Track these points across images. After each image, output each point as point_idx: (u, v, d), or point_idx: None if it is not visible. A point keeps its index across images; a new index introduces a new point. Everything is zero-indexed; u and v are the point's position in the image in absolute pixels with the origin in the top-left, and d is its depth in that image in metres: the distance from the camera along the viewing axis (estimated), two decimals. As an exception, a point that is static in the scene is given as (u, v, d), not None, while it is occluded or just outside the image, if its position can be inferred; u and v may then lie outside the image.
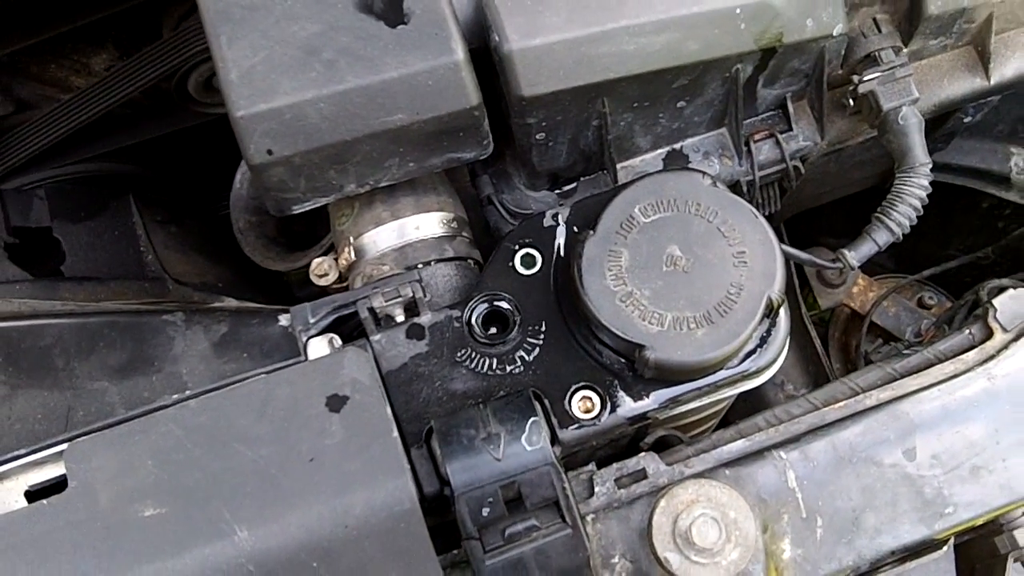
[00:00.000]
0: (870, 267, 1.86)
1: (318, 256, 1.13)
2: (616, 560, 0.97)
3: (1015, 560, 1.14)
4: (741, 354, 0.99)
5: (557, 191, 1.21)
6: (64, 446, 0.94)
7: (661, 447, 1.06)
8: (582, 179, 1.21)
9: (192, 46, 1.43)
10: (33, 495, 0.95)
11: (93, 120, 1.47)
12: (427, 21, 0.97)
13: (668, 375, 0.97)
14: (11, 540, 0.90)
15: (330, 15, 0.96)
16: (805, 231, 1.80)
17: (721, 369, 0.99)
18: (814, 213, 1.65)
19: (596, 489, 0.99)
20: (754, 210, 0.98)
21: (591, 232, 0.97)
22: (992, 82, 1.25)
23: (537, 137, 1.08)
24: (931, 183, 1.18)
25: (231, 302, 1.26)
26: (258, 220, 1.42)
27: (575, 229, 1.03)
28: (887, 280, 1.81)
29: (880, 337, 1.75)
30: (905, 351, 1.10)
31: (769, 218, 1.04)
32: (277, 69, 0.95)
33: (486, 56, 1.03)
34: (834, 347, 1.79)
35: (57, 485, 0.94)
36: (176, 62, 1.44)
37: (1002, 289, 1.11)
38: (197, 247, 1.47)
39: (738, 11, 1.03)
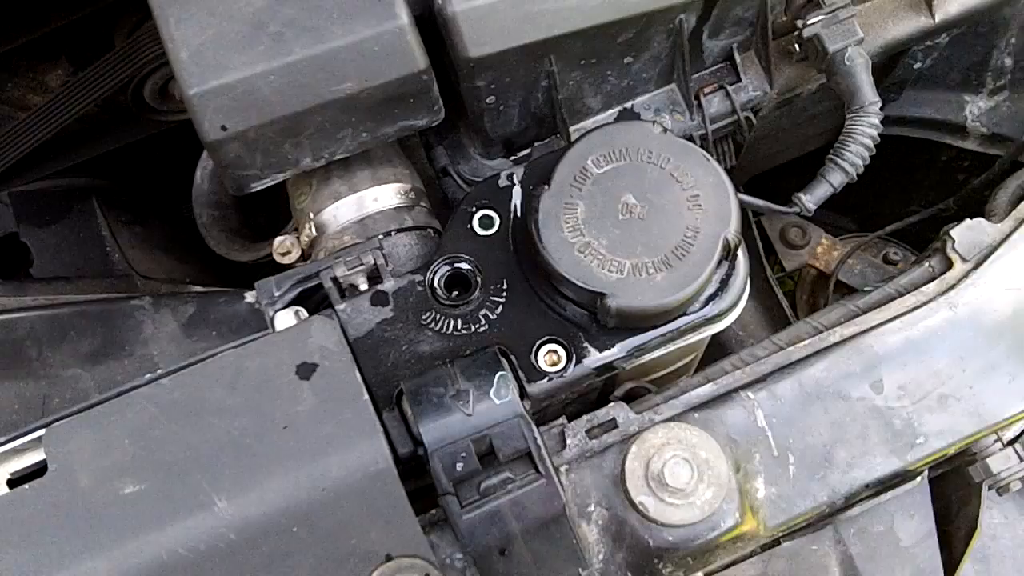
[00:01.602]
0: (834, 230, 1.88)
1: (279, 236, 1.14)
2: (592, 508, 0.98)
3: (990, 487, 1.15)
4: (702, 298, 1.00)
5: (512, 158, 1.22)
6: (42, 431, 0.95)
7: (630, 399, 1.07)
8: (536, 144, 1.22)
9: (145, 54, 1.44)
10: (15, 482, 0.96)
11: (52, 136, 1.48)
12: (370, -11, 0.98)
13: (631, 322, 0.98)
14: (-5, 526, 0.91)
15: (274, -12, 0.97)
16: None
17: (684, 314, 1.00)
18: (774, 180, 1.67)
19: (568, 441, 1.00)
20: (705, 154, 0.99)
21: (546, 187, 0.99)
22: (937, 20, 1.27)
23: (487, 101, 1.10)
24: (888, 138, 1.20)
25: (197, 288, 1.27)
26: (220, 214, 1.42)
27: (531, 187, 1.04)
28: (851, 239, 1.83)
29: (847, 295, 1.76)
30: (866, 288, 1.12)
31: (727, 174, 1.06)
32: (226, 45, 0.96)
33: (430, 23, 1.04)
34: (802, 309, 1.80)
35: (38, 471, 0.95)
36: (130, 71, 1.45)
37: (959, 229, 1.13)
38: (162, 245, 1.48)
39: (676, -40, 1.05)
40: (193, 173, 1.44)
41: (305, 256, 1.13)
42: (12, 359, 1.03)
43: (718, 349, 1.42)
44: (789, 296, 1.77)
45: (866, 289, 1.12)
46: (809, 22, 1.17)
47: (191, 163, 1.46)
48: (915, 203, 1.81)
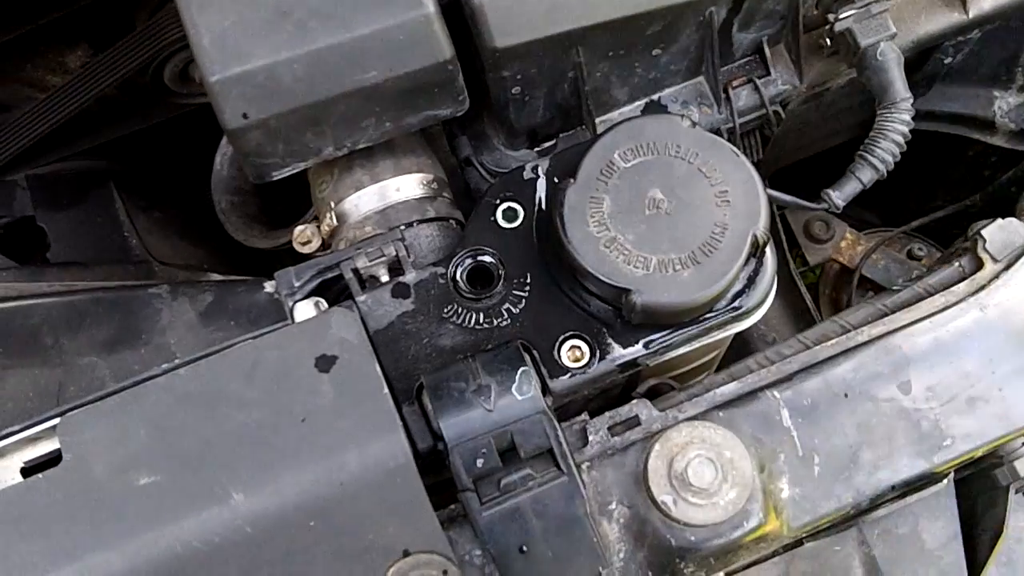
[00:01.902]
0: (858, 224, 1.86)
1: (299, 225, 1.13)
2: (613, 506, 0.97)
3: (1016, 491, 1.14)
4: (729, 295, 0.99)
5: (536, 149, 1.21)
6: (57, 420, 0.94)
7: (653, 396, 1.05)
8: (561, 135, 1.21)
9: (166, 36, 1.43)
10: (29, 471, 0.95)
11: (72, 117, 1.47)
12: (396, -24, 0.97)
13: (656, 319, 0.97)
14: (9, 515, 0.90)
15: (298, -25, 0.96)
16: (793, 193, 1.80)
17: (709, 311, 0.99)
18: (797, 173, 1.65)
19: (590, 438, 0.99)
20: (735, 149, 0.98)
21: (571, 180, 0.97)
22: (971, 16, 1.25)
23: (513, 92, 1.08)
24: (915, 133, 1.18)
25: (216, 276, 1.26)
26: (240, 200, 1.42)
27: (555, 180, 1.03)
28: (875, 234, 1.81)
29: (871, 291, 1.75)
30: (895, 288, 1.10)
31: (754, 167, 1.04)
32: (248, 32, 0.95)
33: (456, 12, 1.03)
34: (825, 303, 1.79)
35: (52, 460, 0.94)
36: (150, 52, 1.44)
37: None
38: (180, 231, 1.47)
39: (709, -48, 1.03)
40: (212, 158, 1.44)
41: (325, 245, 1.12)
42: (28, 346, 1.02)
43: (741, 344, 1.41)
44: (812, 290, 1.75)
45: (894, 288, 1.10)
46: (841, 16, 1.16)
47: (210, 148, 1.45)
48: (940, 198, 1.79)
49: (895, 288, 1.10)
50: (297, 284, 1.01)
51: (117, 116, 1.58)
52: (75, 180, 1.41)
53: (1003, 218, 1.10)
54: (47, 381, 1.00)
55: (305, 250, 1.11)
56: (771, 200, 1.06)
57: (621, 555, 0.96)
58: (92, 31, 1.59)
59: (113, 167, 1.51)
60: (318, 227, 1.11)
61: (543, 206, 1.02)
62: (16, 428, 0.96)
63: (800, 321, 1.65)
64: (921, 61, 1.36)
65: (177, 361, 0.98)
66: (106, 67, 1.45)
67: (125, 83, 1.46)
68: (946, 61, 1.40)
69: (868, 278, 1.74)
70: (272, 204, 1.44)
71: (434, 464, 0.95)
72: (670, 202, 0.96)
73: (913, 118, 1.17)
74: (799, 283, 1.65)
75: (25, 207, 1.34)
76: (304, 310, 1.00)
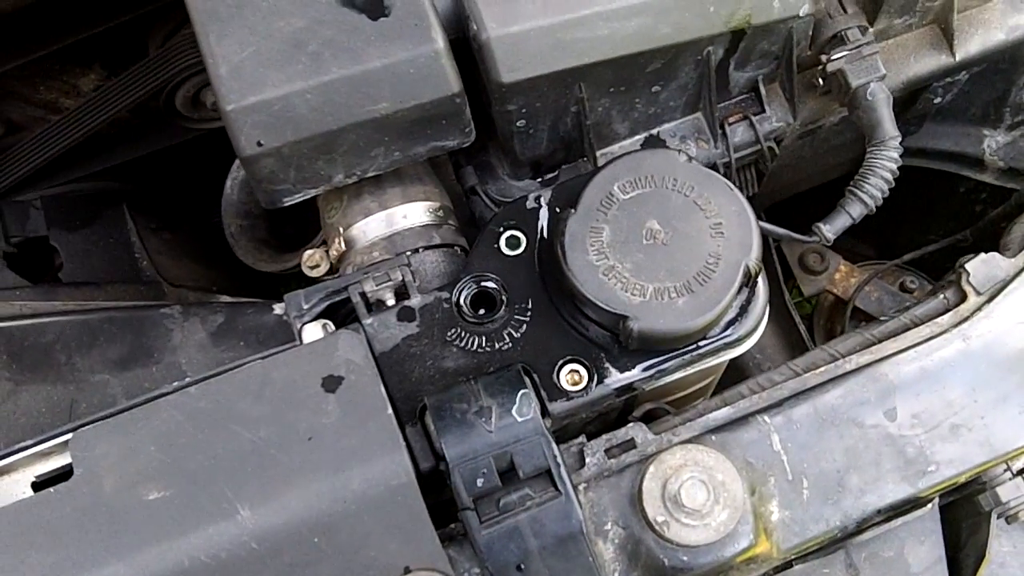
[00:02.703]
0: (852, 256, 1.90)
1: (308, 249, 1.16)
2: (609, 527, 1.00)
3: (999, 516, 1.16)
4: (722, 323, 1.02)
5: (539, 179, 1.24)
6: (69, 436, 0.97)
7: (649, 420, 1.08)
8: (563, 167, 1.24)
9: (179, 63, 1.47)
10: (40, 485, 0.98)
11: (84, 140, 1.50)
12: (407, 13, 1.00)
13: (652, 345, 1.00)
14: (20, 527, 0.92)
15: (314, 9, 1.00)
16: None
17: (703, 338, 1.02)
18: (793, 206, 1.69)
19: (587, 460, 1.02)
20: (729, 183, 1.01)
21: (573, 210, 1.01)
22: (957, 59, 1.29)
23: (518, 124, 1.12)
24: (908, 169, 1.22)
25: (225, 298, 1.29)
26: (249, 224, 1.45)
27: (557, 210, 1.06)
28: (869, 266, 1.85)
29: (864, 321, 1.78)
30: (882, 318, 1.13)
31: (748, 201, 1.07)
32: (265, 63, 0.98)
33: (464, 47, 1.06)
34: (819, 334, 1.82)
35: (63, 474, 0.97)
36: (163, 79, 1.47)
37: (977, 261, 1.15)
38: (190, 253, 1.50)
39: (707, -6, 1.07)
40: (221, 181, 1.47)
41: (333, 269, 1.15)
42: (41, 363, 1.05)
43: (735, 371, 1.44)
44: (807, 320, 1.79)
45: (882, 318, 1.13)
46: (834, 57, 1.19)
47: (219, 171, 1.49)
48: (932, 232, 1.83)
49: (883, 318, 1.13)
50: (306, 307, 1.04)
51: (129, 139, 1.62)
52: (88, 201, 1.44)
53: (987, 253, 1.14)
54: (59, 397, 1.03)
55: (313, 274, 1.14)
56: (764, 232, 1.10)
57: (616, 574, 0.99)
58: (106, 55, 1.62)
59: (125, 188, 1.54)
60: (326, 251, 1.14)
61: (545, 235, 1.06)
62: (28, 443, 0.99)
63: (795, 350, 1.68)
64: (911, 100, 1.40)
65: (187, 379, 1.01)
66: (119, 91, 1.48)
67: (137, 107, 1.49)
68: (936, 101, 1.44)
69: (861, 309, 1.77)
70: (280, 228, 1.47)
71: (435, 483, 0.98)
72: (667, 233, 1.00)
73: (903, 153, 1.21)
74: (793, 313, 1.69)
75: (39, 227, 1.37)
76: (312, 332, 1.03)
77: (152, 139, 1.63)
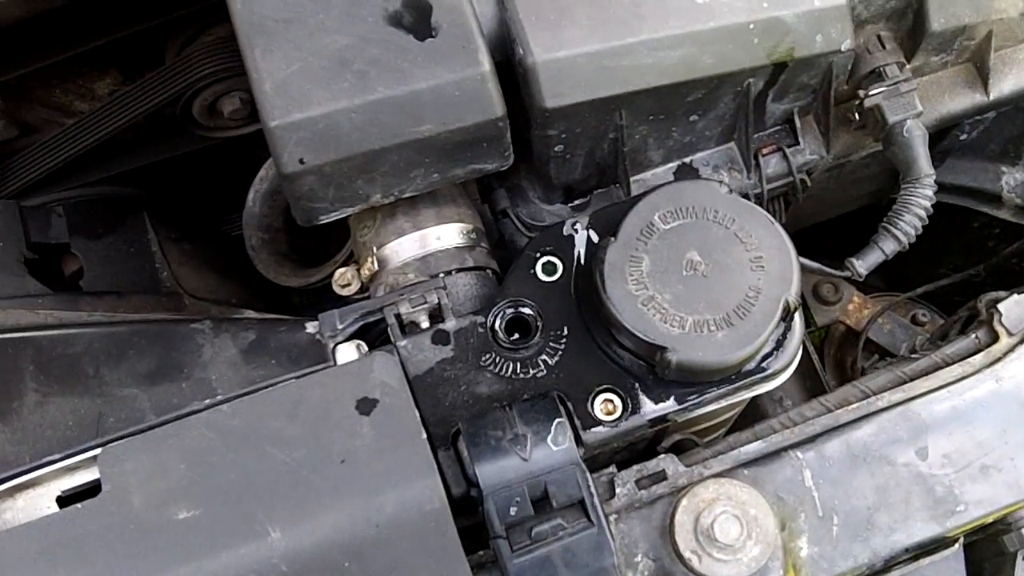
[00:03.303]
0: (864, 287, 1.90)
1: (339, 268, 1.15)
2: (639, 559, 0.99)
3: (1023, 558, 1.16)
4: (759, 356, 1.02)
5: (570, 204, 1.24)
6: (97, 451, 0.96)
7: (677, 451, 1.08)
8: (595, 192, 1.24)
9: (198, 71, 1.46)
10: (66, 500, 0.97)
11: (98, 144, 1.49)
12: (454, 34, 1.00)
13: (688, 377, 1.00)
14: (47, 543, 0.91)
15: (361, 28, 0.99)
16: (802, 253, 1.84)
17: (739, 371, 1.02)
18: (810, 237, 1.69)
19: (617, 490, 1.02)
20: (770, 217, 1.01)
21: (612, 239, 1.00)
22: (991, 97, 1.30)
23: (556, 149, 1.12)
24: (926, 201, 1.23)
25: (252, 314, 1.28)
26: (270, 237, 1.44)
27: (595, 237, 1.06)
28: (881, 298, 1.85)
29: (875, 353, 1.79)
30: (912, 355, 1.13)
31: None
32: (310, 80, 0.97)
33: (506, 71, 1.06)
34: (830, 364, 1.82)
35: (90, 490, 0.96)
36: (180, 87, 1.46)
37: (998, 300, 1.15)
38: (209, 264, 1.49)
39: (751, 26, 1.07)
40: (238, 189, 1.46)
41: (364, 289, 1.14)
42: (69, 375, 1.03)
43: (751, 404, 1.44)
44: (816, 350, 1.79)
45: (912, 356, 1.13)
46: (871, 93, 1.20)
47: (236, 180, 1.48)
48: (944, 266, 1.84)
49: (914, 356, 1.13)
50: (340, 326, 1.03)
51: (144, 145, 1.60)
52: (110, 209, 1.43)
53: (1015, 291, 1.14)
54: (87, 410, 1.01)
55: (344, 292, 1.13)
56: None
57: (645, 607, 0.98)
58: (122, 60, 1.61)
59: (142, 195, 1.53)
60: (358, 270, 1.14)
61: (582, 261, 1.05)
62: (56, 457, 0.98)
63: (807, 380, 1.68)
64: (940, 136, 1.41)
65: (219, 397, 1.00)
66: (135, 98, 1.47)
67: (153, 113, 1.48)
68: (962, 137, 1.45)
69: (873, 341, 1.78)
70: (301, 243, 1.46)
71: (465, 507, 0.97)
72: (707, 264, 0.99)
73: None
74: (808, 344, 1.69)
75: (60, 233, 1.36)
76: (346, 352, 1.02)
77: (168, 146, 1.62)
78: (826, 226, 1.70)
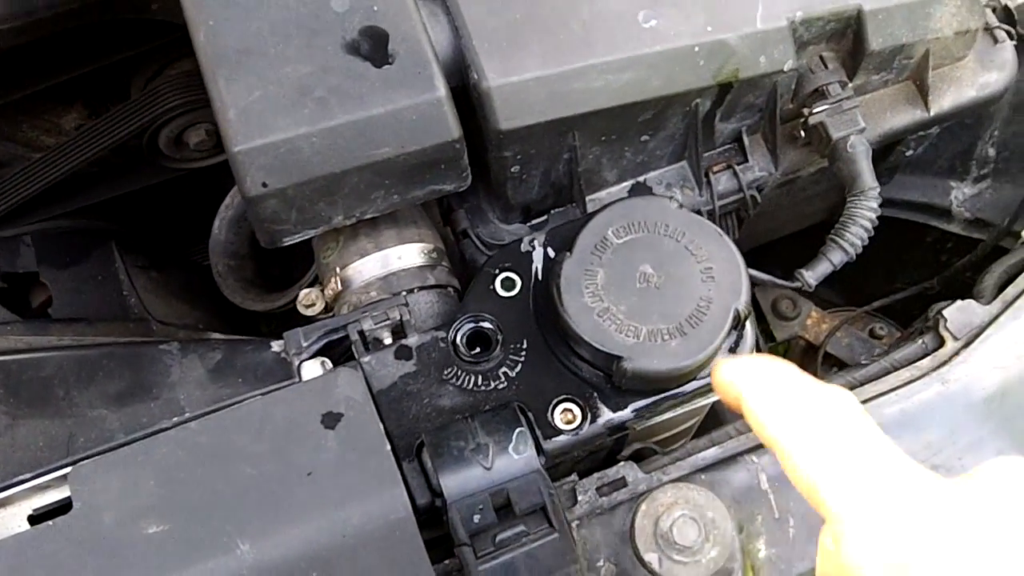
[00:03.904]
0: (823, 303, 1.95)
1: (304, 289, 1.18)
2: (601, 563, 1.02)
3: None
4: (712, 364, 1.05)
5: (528, 223, 1.28)
6: (67, 470, 0.98)
7: (637, 459, 1.11)
8: (552, 212, 1.28)
9: (163, 104, 1.49)
10: (37, 518, 0.98)
11: (65, 177, 1.51)
12: (411, 61, 1.03)
13: (644, 385, 1.03)
14: (18, 561, 0.92)
15: (320, 57, 1.02)
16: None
17: (693, 379, 1.05)
18: (766, 255, 1.73)
19: (579, 498, 1.04)
20: (719, 230, 1.05)
21: (568, 254, 1.03)
22: (932, 113, 1.35)
23: (512, 170, 1.15)
24: (878, 219, 1.27)
25: (219, 335, 1.30)
26: (236, 264, 1.47)
27: (551, 253, 1.09)
28: (839, 313, 1.90)
29: (835, 367, 1.83)
30: (863, 362, 1.17)
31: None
32: (272, 107, 1.00)
33: (462, 96, 1.10)
34: (791, 378, 1.85)
35: (60, 508, 0.97)
36: (146, 120, 1.49)
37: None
38: (177, 292, 1.51)
39: (697, 49, 1.11)
40: (206, 220, 1.49)
41: (328, 309, 1.17)
42: (39, 397, 1.05)
43: (711, 417, 1.47)
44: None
45: (863, 362, 1.17)
46: (815, 111, 1.24)
47: (202, 210, 1.50)
48: (900, 280, 1.88)
49: (863, 362, 1.17)
50: (304, 344, 1.06)
51: (111, 177, 1.63)
52: (77, 238, 1.45)
53: (962, 300, 1.18)
54: (57, 432, 1.03)
55: (309, 312, 1.16)
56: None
57: (607, 610, 1.01)
58: (88, 95, 1.63)
59: (112, 227, 1.56)
60: (322, 291, 1.16)
61: (539, 277, 1.09)
62: (27, 476, 1.00)
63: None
64: (886, 153, 1.46)
65: (188, 415, 1.02)
66: (102, 132, 1.50)
67: (120, 146, 1.51)
68: (908, 154, 1.50)
69: (832, 355, 1.82)
70: (267, 269, 1.49)
71: (429, 520, 0.99)
72: (659, 277, 1.03)
73: (880, 205, 1.26)
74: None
75: (29, 263, 1.38)
76: (311, 369, 1.05)
77: (134, 178, 1.64)
78: (783, 243, 1.75)
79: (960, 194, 1.68)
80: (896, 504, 0.65)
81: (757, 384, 0.76)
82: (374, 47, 1.04)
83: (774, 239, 1.70)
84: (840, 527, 0.68)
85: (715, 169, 1.29)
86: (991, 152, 1.62)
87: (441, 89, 1.03)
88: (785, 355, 1.90)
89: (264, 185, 1.01)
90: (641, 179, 1.27)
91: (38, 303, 1.48)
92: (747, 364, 0.78)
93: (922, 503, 0.65)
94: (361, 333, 1.05)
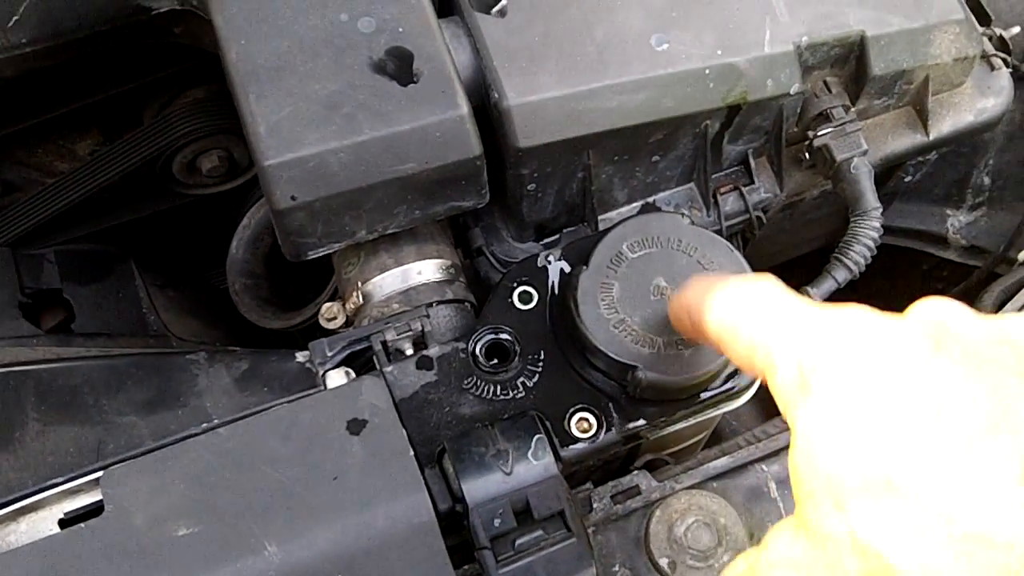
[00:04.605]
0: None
1: (326, 303, 1.21)
2: (616, 569, 1.05)
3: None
4: (723, 375, 1.08)
5: (541, 242, 1.31)
6: (99, 474, 1.00)
7: (650, 470, 1.14)
8: (564, 230, 1.32)
9: (177, 130, 1.53)
10: (68, 522, 1.00)
11: (79, 202, 1.54)
12: (435, 80, 1.07)
13: (658, 395, 1.06)
14: (50, 562, 0.94)
15: (348, 75, 1.06)
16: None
17: (706, 389, 1.08)
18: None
19: (594, 505, 1.07)
20: (729, 245, 1.09)
21: (584, 267, 1.07)
22: (931, 138, 1.39)
23: (528, 188, 1.19)
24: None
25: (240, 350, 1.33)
26: (253, 283, 1.50)
27: (567, 268, 1.13)
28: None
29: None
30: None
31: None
32: (301, 123, 1.04)
33: (481, 115, 1.14)
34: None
35: (92, 512, 1.00)
36: (160, 146, 1.53)
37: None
38: (193, 310, 1.54)
39: (707, 71, 1.16)
40: (221, 243, 1.52)
41: (349, 323, 1.20)
42: (69, 405, 1.07)
43: (713, 437, 1.50)
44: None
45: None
46: (819, 134, 1.29)
47: (217, 232, 1.53)
48: (896, 307, 1.92)
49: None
50: (329, 354, 1.09)
51: (125, 202, 1.66)
52: (99, 257, 1.48)
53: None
54: (87, 438, 1.06)
55: (330, 326, 1.19)
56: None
57: (622, 614, 1.03)
58: (102, 121, 1.67)
59: (125, 251, 1.59)
60: (343, 305, 1.20)
61: (555, 290, 1.12)
62: (59, 480, 1.02)
63: (765, 406, 1.74)
64: (886, 178, 1.50)
65: (216, 422, 1.05)
66: (116, 158, 1.53)
67: (133, 172, 1.54)
68: (906, 179, 1.54)
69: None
70: (283, 288, 1.52)
71: (450, 529, 1.02)
72: (673, 290, 1.06)
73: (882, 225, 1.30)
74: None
75: (52, 279, 1.41)
76: (335, 378, 1.08)
77: (148, 203, 1.67)
78: (782, 271, 1.78)
79: (956, 221, 1.72)
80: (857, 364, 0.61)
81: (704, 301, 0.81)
82: (400, 66, 1.08)
83: (776, 264, 1.74)
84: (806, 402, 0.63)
85: (722, 190, 1.33)
86: (986, 180, 1.67)
87: (464, 107, 1.07)
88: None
89: (293, 198, 1.04)
90: (651, 199, 1.31)
91: (57, 322, 1.50)
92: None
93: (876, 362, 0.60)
94: (384, 344, 1.09)
